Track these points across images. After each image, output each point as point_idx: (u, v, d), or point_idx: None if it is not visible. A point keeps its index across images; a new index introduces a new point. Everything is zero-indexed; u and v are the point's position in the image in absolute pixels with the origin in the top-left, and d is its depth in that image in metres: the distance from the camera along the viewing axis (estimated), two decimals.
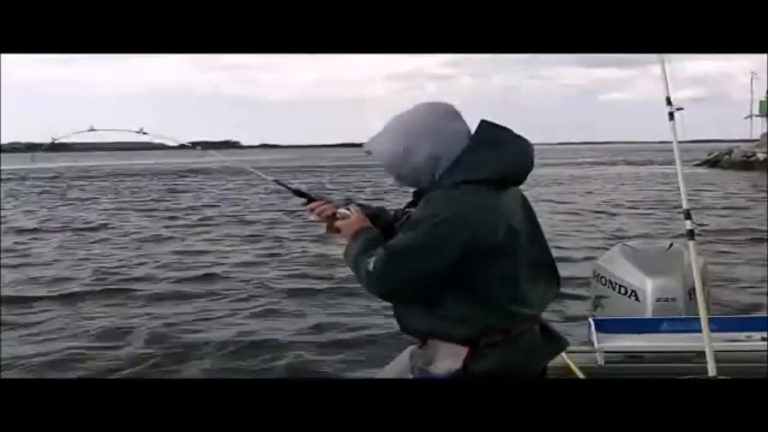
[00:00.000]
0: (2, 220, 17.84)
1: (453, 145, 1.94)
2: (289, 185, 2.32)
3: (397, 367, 2.40)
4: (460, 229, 1.83)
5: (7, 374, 5.54)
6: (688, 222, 3.15)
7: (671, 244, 4.43)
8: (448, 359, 1.92)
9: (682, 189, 3.22)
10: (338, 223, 2.09)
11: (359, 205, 2.14)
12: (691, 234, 3.15)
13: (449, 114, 1.99)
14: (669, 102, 3.15)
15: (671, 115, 3.15)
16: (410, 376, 2.07)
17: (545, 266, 2.05)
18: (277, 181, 2.45)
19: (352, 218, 2.07)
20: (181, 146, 2.73)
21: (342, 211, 2.11)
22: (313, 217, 2.15)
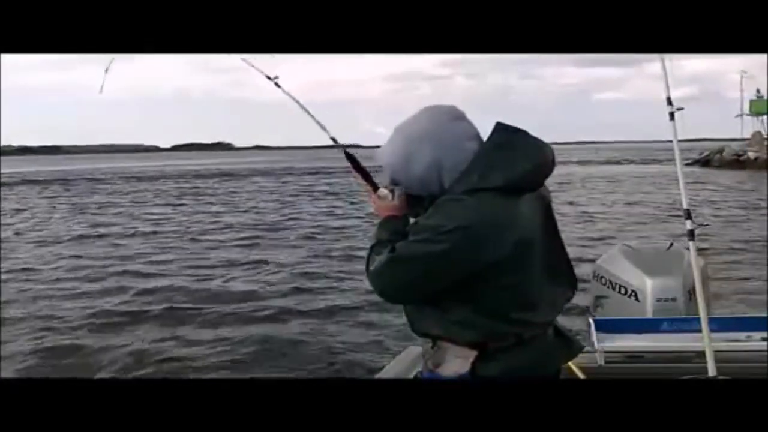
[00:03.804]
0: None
1: (456, 149, 1.84)
2: (342, 146, 2.22)
3: (397, 366, 2.41)
4: (463, 244, 1.74)
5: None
6: (688, 222, 3.15)
7: (671, 244, 4.43)
8: (456, 362, 1.87)
9: (682, 188, 3.22)
10: (374, 198, 2.01)
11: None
12: (691, 234, 3.15)
13: (451, 117, 1.89)
14: (669, 102, 3.14)
15: (672, 115, 3.15)
16: (410, 376, 2.07)
17: (561, 270, 1.96)
18: (333, 139, 2.31)
19: (387, 204, 1.97)
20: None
21: (383, 191, 1.99)
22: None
